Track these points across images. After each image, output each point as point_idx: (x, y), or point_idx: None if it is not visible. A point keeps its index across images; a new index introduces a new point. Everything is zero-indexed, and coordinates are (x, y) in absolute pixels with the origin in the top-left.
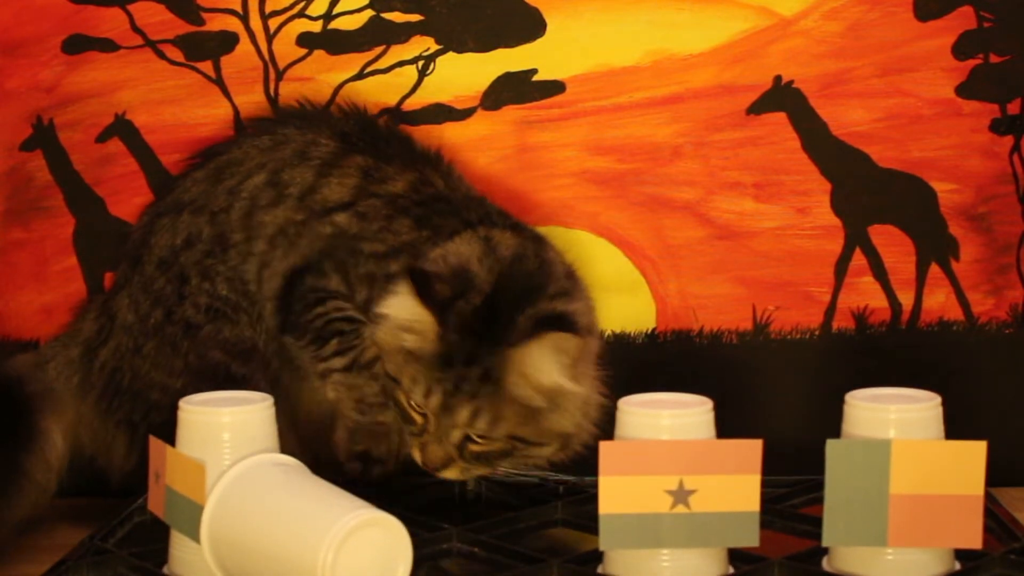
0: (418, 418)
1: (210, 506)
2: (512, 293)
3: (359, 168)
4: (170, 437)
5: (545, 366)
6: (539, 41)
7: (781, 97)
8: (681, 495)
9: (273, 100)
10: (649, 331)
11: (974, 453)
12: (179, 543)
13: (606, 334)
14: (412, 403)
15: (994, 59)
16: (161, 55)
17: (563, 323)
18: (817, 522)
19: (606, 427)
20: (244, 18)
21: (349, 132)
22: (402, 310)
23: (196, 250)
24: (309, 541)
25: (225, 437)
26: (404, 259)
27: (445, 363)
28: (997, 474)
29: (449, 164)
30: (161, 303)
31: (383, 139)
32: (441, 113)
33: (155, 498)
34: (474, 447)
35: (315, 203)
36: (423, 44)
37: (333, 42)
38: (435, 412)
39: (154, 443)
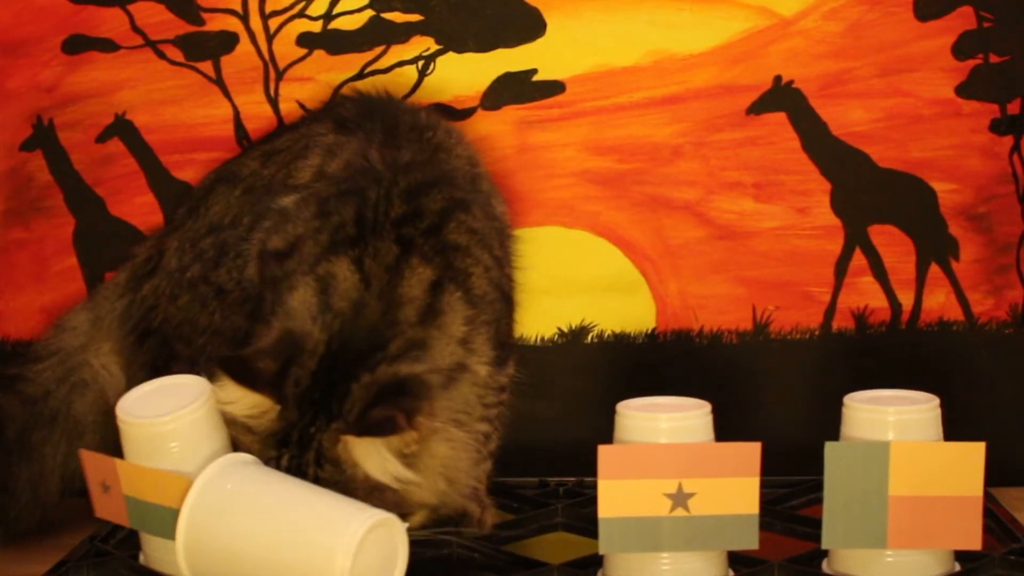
0: None
1: (186, 512)
2: (347, 356)
3: (325, 148)
4: None
5: (372, 463)
6: (539, 41)
7: (781, 97)
8: (680, 498)
9: (273, 100)
10: (649, 331)
11: (973, 454)
12: (152, 543)
13: (606, 334)
14: None
15: (994, 59)
16: (161, 55)
17: (404, 391)
18: (817, 524)
19: (607, 433)
20: (244, 18)
21: (347, 116)
22: (233, 399)
23: (236, 233)
24: (322, 546)
25: (173, 447)
26: (294, 258)
27: (281, 443)
28: (997, 474)
29: (435, 131)
30: (200, 261)
31: (369, 115)
32: (441, 113)
33: (105, 507)
34: None
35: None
36: (423, 44)
37: (333, 42)
38: None
39: (88, 456)
